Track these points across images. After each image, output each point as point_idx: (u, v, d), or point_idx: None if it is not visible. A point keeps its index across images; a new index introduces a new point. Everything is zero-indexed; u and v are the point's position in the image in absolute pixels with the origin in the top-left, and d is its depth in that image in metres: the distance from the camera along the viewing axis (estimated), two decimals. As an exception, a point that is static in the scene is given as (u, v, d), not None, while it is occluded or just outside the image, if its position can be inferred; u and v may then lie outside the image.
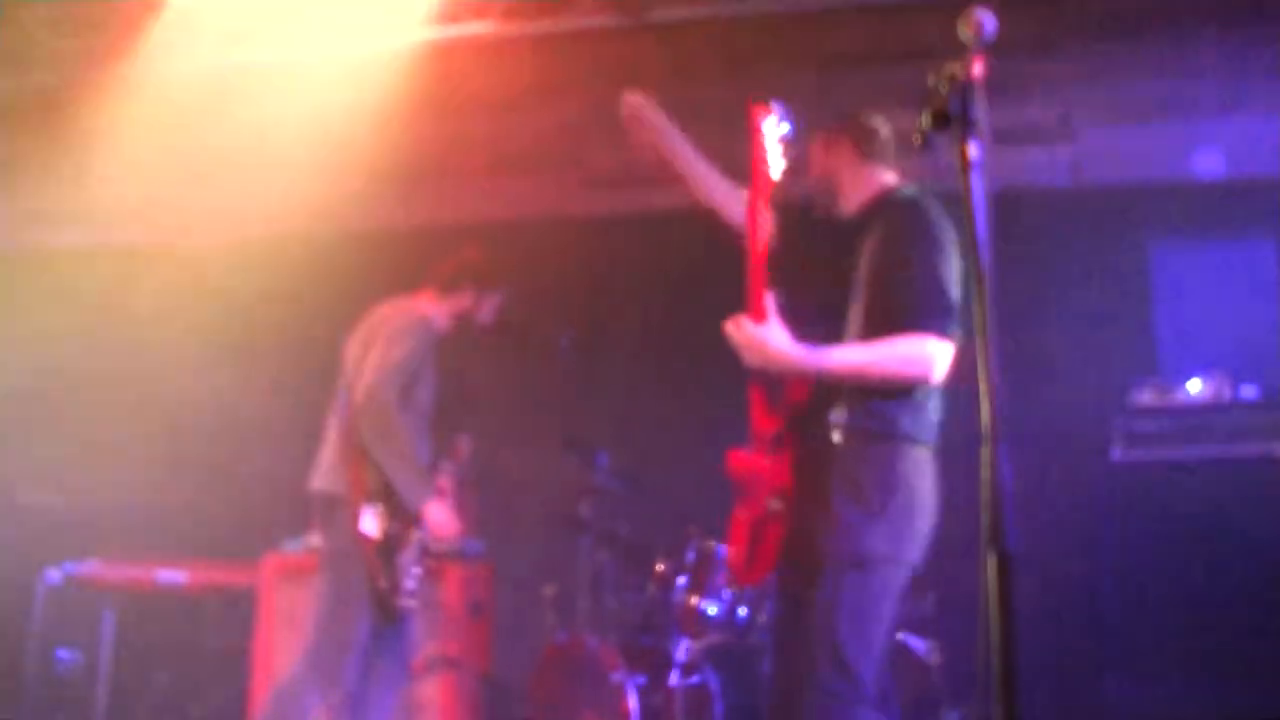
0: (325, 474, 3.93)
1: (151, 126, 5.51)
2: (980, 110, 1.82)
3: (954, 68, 1.85)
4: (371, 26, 5.30)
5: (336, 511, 3.85)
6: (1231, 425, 4.34)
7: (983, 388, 1.76)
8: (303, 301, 4.67)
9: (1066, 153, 5.14)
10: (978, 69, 1.86)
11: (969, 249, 1.80)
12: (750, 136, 2.76)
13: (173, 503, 5.29)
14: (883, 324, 2.68)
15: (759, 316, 2.71)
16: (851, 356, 2.71)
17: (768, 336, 2.67)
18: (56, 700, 4.77)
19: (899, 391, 2.70)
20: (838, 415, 2.75)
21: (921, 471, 2.71)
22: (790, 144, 2.80)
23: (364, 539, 3.76)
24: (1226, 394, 4.44)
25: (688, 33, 5.09)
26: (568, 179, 5.86)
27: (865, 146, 3.01)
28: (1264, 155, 4.89)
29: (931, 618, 4.57)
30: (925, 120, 1.82)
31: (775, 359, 2.68)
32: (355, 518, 3.79)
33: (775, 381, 2.79)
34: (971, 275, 1.79)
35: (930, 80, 1.84)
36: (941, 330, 2.62)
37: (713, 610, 4.37)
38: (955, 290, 2.66)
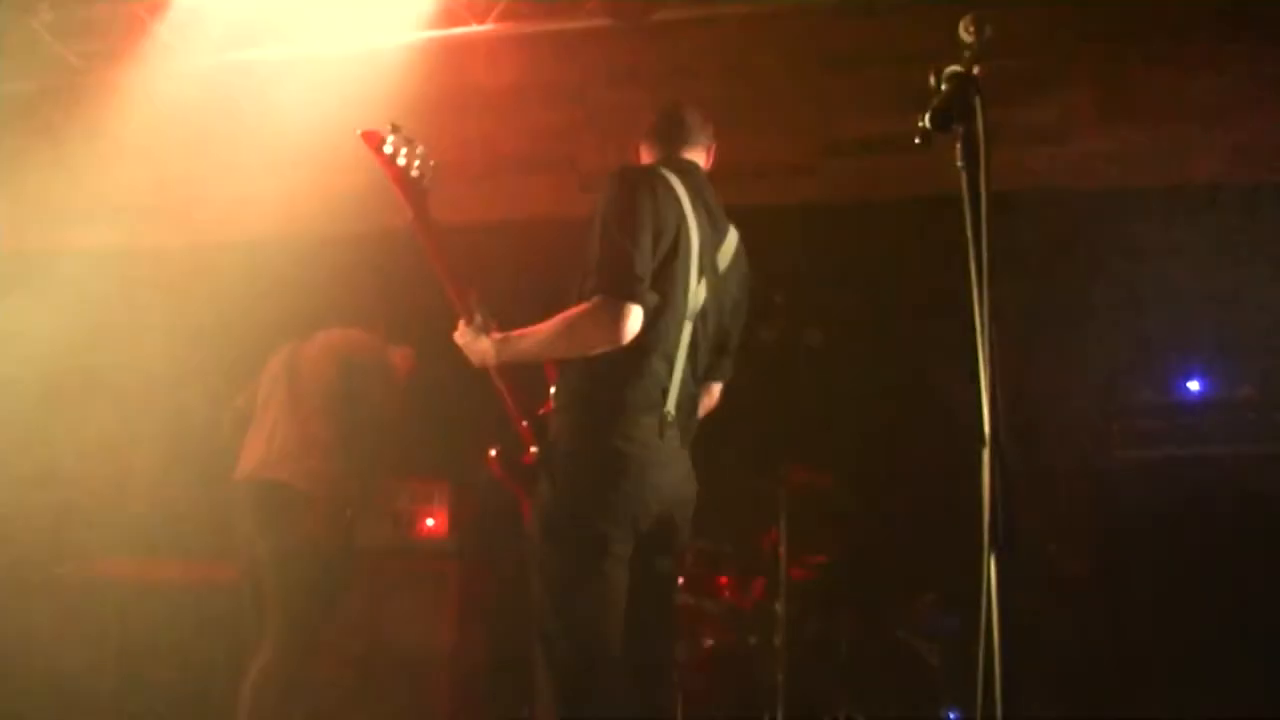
0: (278, 463, 3.94)
1: (154, 125, 5.52)
2: (980, 110, 1.82)
3: (954, 67, 1.85)
4: (372, 26, 5.31)
5: (295, 503, 3.84)
6: (1231, 424, 4.34)
7: (983, 389, 1.76)
8: (305, 300, 4.66)
9: (1066, 152, 5.13)
10: (978, 68, 1.86)
11: (971, 247, 1.80)
12: (379, 164, 2.79)
13: (178, 501, 5.28)
14: (578, 297, 2.68)
15: (468, 318, 2.81)
16: (531, 335, 2.72)
17: (472, 335, 2.77)
18: (62, 699, 4.76)
19: (593, 360, 2.65)
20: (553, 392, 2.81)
21: (610, 437, 2.64)
22: (416, 148, 2.81)
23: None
24: (1225, 393, 4.44)
25: (687, 32, 5.09)
26: (565, 180, 5.86)
27: (648, 138, 3.04)
28: (1264, 156, 4.88)
29: (931, 617, 4.58)
30: (926, 120, 1.82)
31: (482, 355, 2.77)
32: (319, 516, 3.80)
33: (512, 376, 2.83)
34: (973, 275, 1.79)
35: (931, 80, 1.85)
36: (615, 292, 2.58)
37: (712, 611, 4.37)
38: (639, 254, 2.61)
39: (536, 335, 2.70)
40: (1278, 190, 4.78)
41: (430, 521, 4.92)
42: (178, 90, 5.41)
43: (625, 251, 2.61)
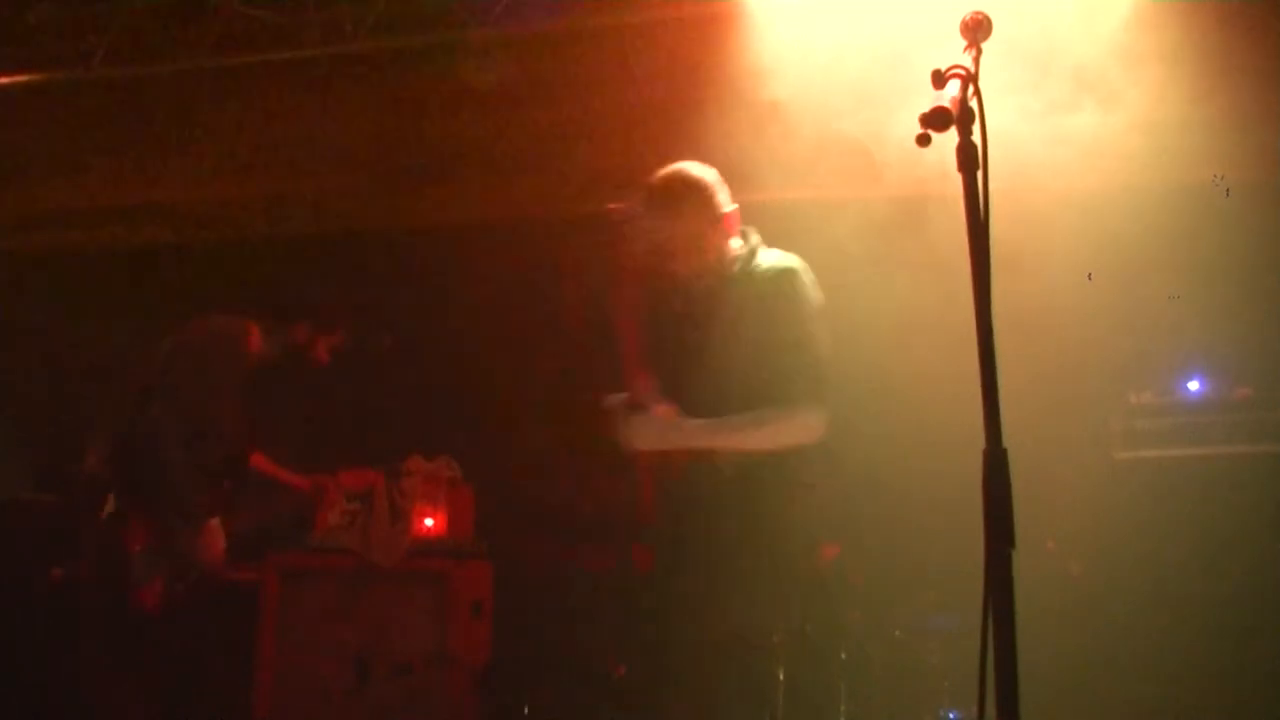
0: None
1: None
2: (980, 108, 1.82)
3: (953, 66, 1.85)
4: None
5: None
6: (1230, 425, 4.34)
7: (982, 389, 1.76)
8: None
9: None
10: (976, 67, 1.86)
11: (971, 248, 1.79)
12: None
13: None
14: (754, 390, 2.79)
15: (638, 403, 2.80)
16: (718, 429, 2.74)
17: (640, 423, 2.76)
18: (57, 698, 4.76)
19: None
20: None
21: None
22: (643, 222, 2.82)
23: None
24: (1226, 393, 4.44)
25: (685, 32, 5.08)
26: (567, 179, 5.86)
27: (720, 207, 2.90)
28: (1263, 156, 4.87)
29: (932, 618, 4.57)
30: (925, 119, 1.82)
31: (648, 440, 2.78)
32: None
33: None
34: (973, 274, 1.79)
35: (930, 78, 1.84)
36: (820, 399, 2.76)
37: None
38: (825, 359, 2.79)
39: (727, 432, 2.71)
40: (1276, 188, 4.77)
41: (430, 521, 4.91)
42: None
43: (821, 358, 2.72)
